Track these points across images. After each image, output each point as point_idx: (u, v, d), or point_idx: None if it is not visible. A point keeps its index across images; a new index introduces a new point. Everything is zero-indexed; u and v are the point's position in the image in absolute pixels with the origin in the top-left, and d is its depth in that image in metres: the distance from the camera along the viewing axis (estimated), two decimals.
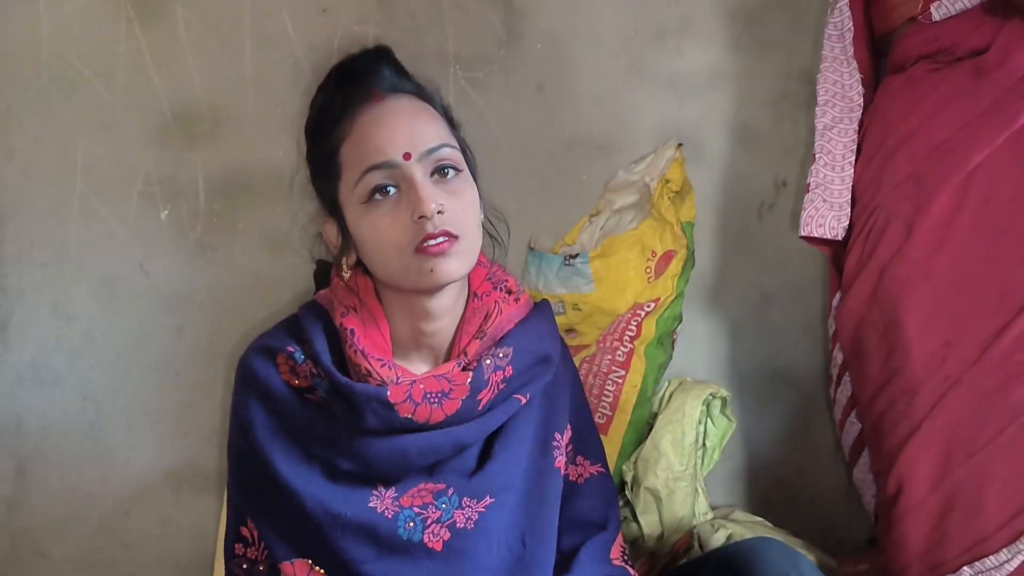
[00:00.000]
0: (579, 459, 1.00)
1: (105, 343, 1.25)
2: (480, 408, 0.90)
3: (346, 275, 0.93)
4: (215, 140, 1.28)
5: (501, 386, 0.91)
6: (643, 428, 1.26)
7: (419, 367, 0.94)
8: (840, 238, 1.23)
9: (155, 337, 1.26)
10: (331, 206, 0.93)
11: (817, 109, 1.29)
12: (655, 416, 1.26)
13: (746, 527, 1.16)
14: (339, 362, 0.90)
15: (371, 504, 0.88)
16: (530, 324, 0.96)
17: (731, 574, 0.83)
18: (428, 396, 0.87)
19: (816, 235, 1.24)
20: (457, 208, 0.86)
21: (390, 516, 0.87)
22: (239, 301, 1.29)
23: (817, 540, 1.38)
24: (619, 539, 1.00)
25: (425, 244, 0.84)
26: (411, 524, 0.88)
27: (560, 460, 0.97)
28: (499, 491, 0.91)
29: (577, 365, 1.21)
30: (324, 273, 1.13)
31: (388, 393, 0.86)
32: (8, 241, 1.21)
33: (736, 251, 1.51)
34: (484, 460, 0.93)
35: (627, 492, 1.23)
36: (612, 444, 1.22)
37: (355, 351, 0.89)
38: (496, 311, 0.94)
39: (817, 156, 1.27)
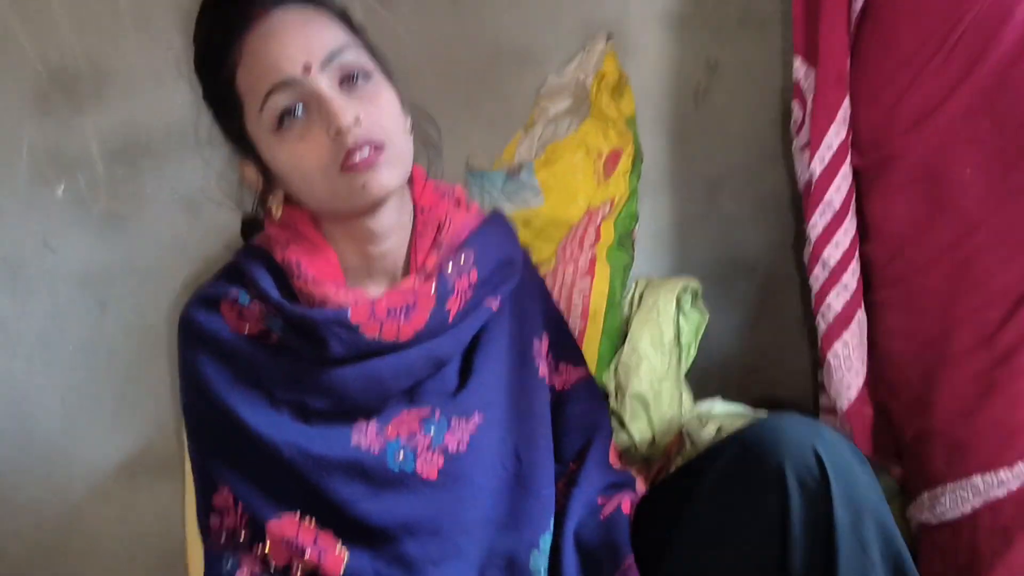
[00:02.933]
0: (561, 366, 0.96)
1: (20, 331, 1.13)
2: (451, 320, 0.84)
3: (277, 214, 0.85)
4: (102, 100, 1.15)
5: (468, 294, 0.86)
6: (617, 335, 1.20)
7: (377, 291, 0.87)
8: None
9: (76, 318, 1.15)
10: (242, 145, 0.84)
11: None
12: (627, 321, 1.20)
13: (733, 419, 1.13)
14: (289, 299, 0.83)
15: (354, 442, 0.82)
16: (487, 230, 0.91)
17: (753, 455, 0.78)
18: (392, 312, 0.81)
19: None
20: (375, 114, 0.79)
21: (377, 452, 0.82)
22: (162, 269, 1.19)
23: None
24: (613, 443, 0.96)
25: (349, 161, 0.77)
26: (400, 455, 0.82)
27: (543, 369, 0.93)
28: (487, 407, 0.86)
29: None
30: (252, 228, 1.04)
31: (349, 314, 0.80)
32: None
33: (678, 142, 1.46)
34: (465, 377, 0.87)
35: (612, 402, 1.18)
36: (588, 355, 1.16)
37: (305, 281, 0.82)
38: (447, 221, 0.87)
39: None
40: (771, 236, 1.50)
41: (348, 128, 0.76)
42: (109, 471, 1.18)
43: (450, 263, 0.85)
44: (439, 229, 0.88)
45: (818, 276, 1.10)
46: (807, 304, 1.55)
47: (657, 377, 1.15)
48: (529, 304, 0.94)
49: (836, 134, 1.08)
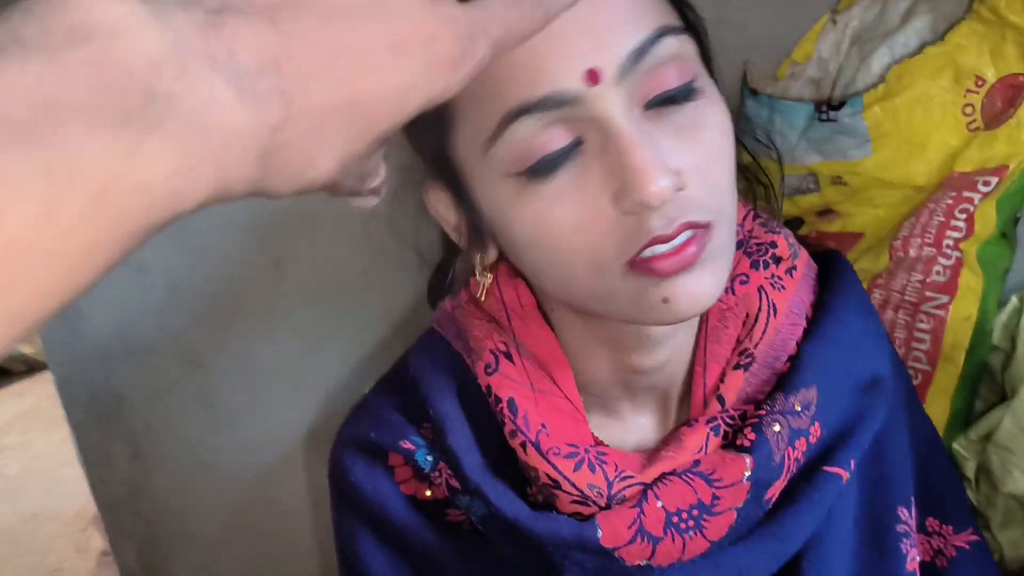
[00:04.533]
0: (931, 523, 0.60)
1: (193, 294, 0.98)
2: (767, 508, 0.51)
3: (483, 284, 0.54)
4: None
5: (801, 460, 0.51)
6: (979, 380, 0.78)
7: (634, 423, 0.55)
8: None
9: (250, 278, 0.98)
10: (438, 163, 0.51)
11: None
12: (998, 353, 0.77)
13: None
14: (492, 451, 0.53)
15: None
16: (834, 321, 0.53)
17: None
18: (674, 520, 0.49)
19: None
20: (703, 164, 0.43)
21: None
22: (341, 220, 0.96)
23: None
24: None
25: (650, 255, 0.43)
26: None
27: (913, 558, 0.57)
28: None
29: None
30: (441, 291, 0.72)
31: (599, 534, 0.48)
32: None
33: None
34: None
35: (967, 489, 0.80)
36: (934, 411, 0.77)
37: (523, 443, 0.51)
38: (767, 308, 0.51)
39: None
40: None
41: (660, 198, 0.41)
42: (297, 442, 1.04)
43: (777, 418, 0.49)
44: (747, 325, 0.52)
45: None
46: None
47: None
48: (894, 438, 0.57)
49: None
